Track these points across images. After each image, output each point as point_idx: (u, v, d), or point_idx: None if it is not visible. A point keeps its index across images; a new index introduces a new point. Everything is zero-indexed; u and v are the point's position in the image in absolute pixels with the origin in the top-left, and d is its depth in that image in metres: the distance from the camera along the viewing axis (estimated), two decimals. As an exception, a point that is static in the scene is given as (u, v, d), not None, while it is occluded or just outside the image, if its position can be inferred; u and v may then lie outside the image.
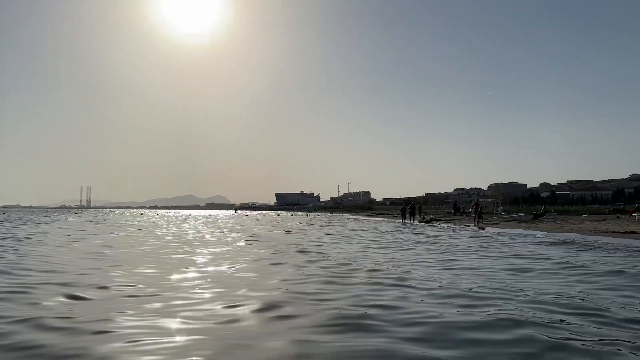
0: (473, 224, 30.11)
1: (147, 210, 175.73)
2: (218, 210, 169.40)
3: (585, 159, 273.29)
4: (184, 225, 32.02)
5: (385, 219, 50.64)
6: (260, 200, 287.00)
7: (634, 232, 19.53)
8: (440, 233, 21.60)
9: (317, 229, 26.66)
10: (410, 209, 38.34)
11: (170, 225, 30.88)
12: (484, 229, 25.41)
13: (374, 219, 51.24)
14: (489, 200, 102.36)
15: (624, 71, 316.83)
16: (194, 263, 9.67)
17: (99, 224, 32.70)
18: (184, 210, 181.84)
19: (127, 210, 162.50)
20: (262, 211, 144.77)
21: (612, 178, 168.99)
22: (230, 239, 17.48)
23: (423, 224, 33.82)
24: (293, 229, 26.25)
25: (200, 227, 28.15)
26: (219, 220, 43.59)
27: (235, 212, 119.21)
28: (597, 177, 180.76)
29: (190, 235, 19.60)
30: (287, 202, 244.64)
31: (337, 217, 70.24)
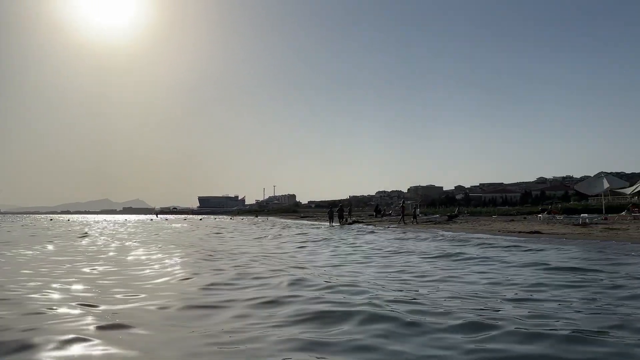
0: (396, 225, 31.75)
1: (58, 216, 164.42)
2: (136, 215, 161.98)
3: (496, 163, 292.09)
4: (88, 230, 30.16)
5: (309, 222, 50.95)
6: (183, 204, 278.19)
7: (538, 232, 21.00)
8: (356, 235, 22.03)
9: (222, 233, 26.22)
10: (338, 211, 38.75)
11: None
12: (404, 231, 26.22)
13: (298, 222, 51.40)
14: (409, 202, 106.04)
15: (532, 78, 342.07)
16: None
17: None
18: (100, 215, 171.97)
19: (35, 216, 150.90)
20: (184, 215, 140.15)
21: (521, 181, 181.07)
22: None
23: (346, 226, 34.42)
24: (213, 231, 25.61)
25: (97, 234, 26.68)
26: (123, 229, 41.57)
27: (157, 216, 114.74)
28: (507, 180, 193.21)
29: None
30: (210, 205, 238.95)
31: (261, 220, 69.75)
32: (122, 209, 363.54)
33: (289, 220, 60.90)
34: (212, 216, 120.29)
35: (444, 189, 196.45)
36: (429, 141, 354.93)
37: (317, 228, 33.02)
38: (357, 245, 16.29)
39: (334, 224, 36.85)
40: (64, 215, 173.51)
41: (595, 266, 9.25)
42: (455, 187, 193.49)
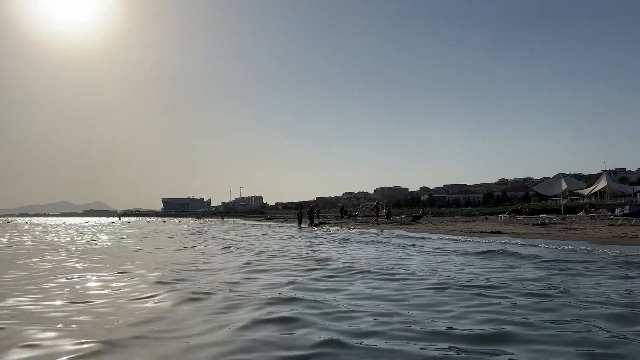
0: (372, 224, 33.42)
1: (15, 218, 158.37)
2: (97, 218, 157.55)
3: (460, 164, 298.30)
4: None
5: (275, 223, 50.63)
6: (146, 207, 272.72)
7: (499, 232, 21.37)
8: (322, 235, 21.93)
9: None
10: (308, 212, 38.41)
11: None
12: (382, 230, 26.25)
13: (264, 224, 51.00)
14: (375, 203, 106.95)
15: (495, 81, 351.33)
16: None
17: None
18: (60, 218, 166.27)
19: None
20: (147, 218, 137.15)
21: (483, 182, 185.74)
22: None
23: (313, 227, 34.29)
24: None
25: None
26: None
27: (119, 219, 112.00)
28: (470, 181, 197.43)
29: None
30: (175, 207, 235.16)
31: (227, 222, 68.97)
32: (82, 211, 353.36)
33: (255, 223, 60.33)
34: (177, 219, 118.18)
35: (410, 190, 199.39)
36: (395, 143, 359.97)
37: (288, 234, 32.72)
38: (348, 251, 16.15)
39: (303, 225, 36.46)
40: (21, 218, 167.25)
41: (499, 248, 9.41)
42: (420, 188, 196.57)
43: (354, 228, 30.18)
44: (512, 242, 15.40)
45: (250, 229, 34.68)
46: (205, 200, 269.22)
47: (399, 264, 9.81)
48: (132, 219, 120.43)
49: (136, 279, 8.08)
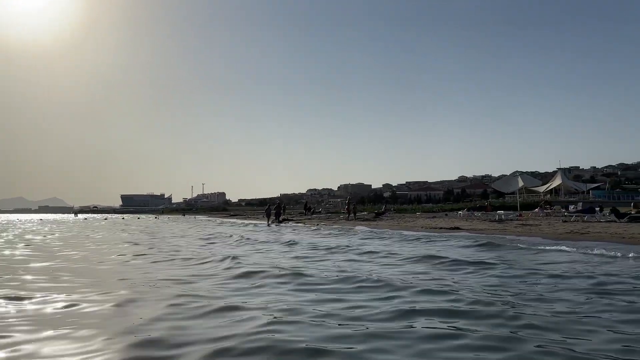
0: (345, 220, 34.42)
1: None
2: (52, 215, 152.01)
3: (422, 162, 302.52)
4: None
5: (240, 220, 50.13)
6: (104, 203, 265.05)
7: (457, 228, 21.79)
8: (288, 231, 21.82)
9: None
10: (275, 209, 38.04)
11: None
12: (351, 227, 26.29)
13: (231, 220, 50.38)
14: (339, 200, 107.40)
15: (453, 80, 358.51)
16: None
17: None
18: (13, 215, 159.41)
19: None
20: (105, 215, 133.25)
21: (444, 179, 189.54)
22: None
23: (278, 224, 34.12)
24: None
25: None
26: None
27: (76, 215, 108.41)
28: (431, 178, 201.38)
29: None
30: (134, 204, 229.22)
31: (189, 219, 67.84)
32: (37, 207, 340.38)
33: (219, 220, 59.55)
34: (136, 215, 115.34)
35: (373, 187, 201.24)
36: (358, 141, 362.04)
37: (256, 227, 32.36)
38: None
39: (274, 222, 35.94)
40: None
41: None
42: (383, 185, 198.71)
43: (317, 225, 30.18)
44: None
45: (218, 228, 33.76)
46: (166, 196, 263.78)
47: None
48: (89, 215, 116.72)
49: None
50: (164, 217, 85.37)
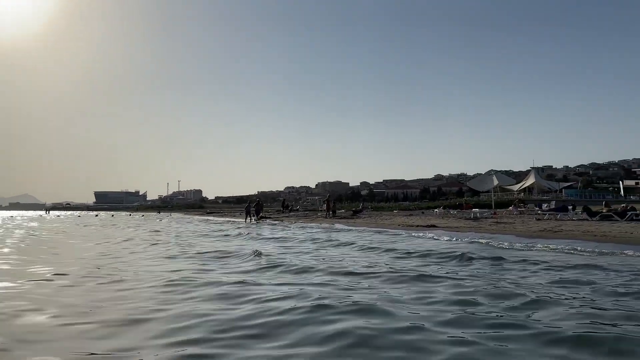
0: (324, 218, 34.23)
1: None
2: (24, 211, 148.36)
3: (399, 160, 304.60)
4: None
5: (214, 218, 49.66)
6: (78, 200, 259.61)
7: (433, 226, 21.97)
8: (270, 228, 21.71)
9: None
10: (255, 206, 37.76)
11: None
12: (331, 224, 26.23)
13: (206, 218, 49.86)
14: (316, 197, 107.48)
15: (429, 79, 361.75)
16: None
17: None
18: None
19: None
20: (78, 212, 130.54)
21: (420, 178, 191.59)
22: None
23: (257, 221, 33.97)
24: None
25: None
26: None
27: (48, 212, 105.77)
28: (408, 176, 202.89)
29: None
30: (108, 201, 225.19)
31: (164, 216, 66.95)
32: (8, 204, 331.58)
33: (201, 218, 58.91)
34: (110, 212, 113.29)
35: (350, 185, 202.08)
36: (336, 139, 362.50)
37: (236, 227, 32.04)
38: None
39: (251, 220, 35.67)
40: None
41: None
42: (360, 183, 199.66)
43: (295, 222, 30.12)
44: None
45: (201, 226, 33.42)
46: (140, 193, 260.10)
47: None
48: (61, 212, 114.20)
49: None
50: (138, 215, 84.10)
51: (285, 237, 16.73)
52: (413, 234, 17.62)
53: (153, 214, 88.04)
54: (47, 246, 13.93)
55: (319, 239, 15.52)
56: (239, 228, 25.34)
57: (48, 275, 7.46)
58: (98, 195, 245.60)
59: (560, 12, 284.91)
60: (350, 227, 23.43)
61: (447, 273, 7.46)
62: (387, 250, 11.42)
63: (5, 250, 12.39)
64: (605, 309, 4.75)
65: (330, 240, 14.57)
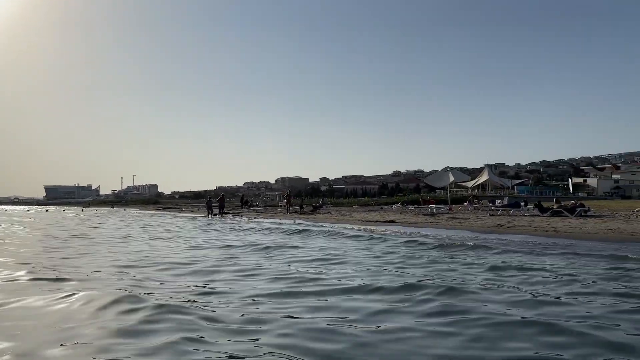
0: (285, 214, 34.14)
1: None
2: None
3: (358, 156, 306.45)
4: None
5: (171, 213, 48.64)
6: (26, 194, 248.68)
7: (392, 221, 22.35)
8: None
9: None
10: (218, 201, 37.47)
11: None
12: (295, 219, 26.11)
13: (161, 213, 48.74)
14: (276, 193, 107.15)
15: (386, 79, 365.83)
16: None
17: None
18: None
19: None
20: (27, 206, 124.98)
21: (379, 174, 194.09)
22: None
23: (221, 216, 33.54)
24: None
25: None
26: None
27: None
28: (367, 172, 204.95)
29: None
30: (59, 195, 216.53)
31: (118, 212, 65.00)
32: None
33: (153, 213, 57.53)
34: (62, 207, 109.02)
35: (310, 181, 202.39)
36: (295, 134, 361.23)
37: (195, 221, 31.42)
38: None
39: (212, 215, 35.47)
40: None
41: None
42: (320, 178, 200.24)
43: (255, 218, 29.93)
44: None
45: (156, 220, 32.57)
46: (93, 188, 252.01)
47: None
48: (8, 207, 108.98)
49: None
50: (91, 209, 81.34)
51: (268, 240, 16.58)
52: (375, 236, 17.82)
53: (104, 210, 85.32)
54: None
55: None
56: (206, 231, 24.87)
57: None
58: (48, 189, 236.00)
59: (510, 12, 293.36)
60: (313, 222, 23.48)
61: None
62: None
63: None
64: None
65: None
